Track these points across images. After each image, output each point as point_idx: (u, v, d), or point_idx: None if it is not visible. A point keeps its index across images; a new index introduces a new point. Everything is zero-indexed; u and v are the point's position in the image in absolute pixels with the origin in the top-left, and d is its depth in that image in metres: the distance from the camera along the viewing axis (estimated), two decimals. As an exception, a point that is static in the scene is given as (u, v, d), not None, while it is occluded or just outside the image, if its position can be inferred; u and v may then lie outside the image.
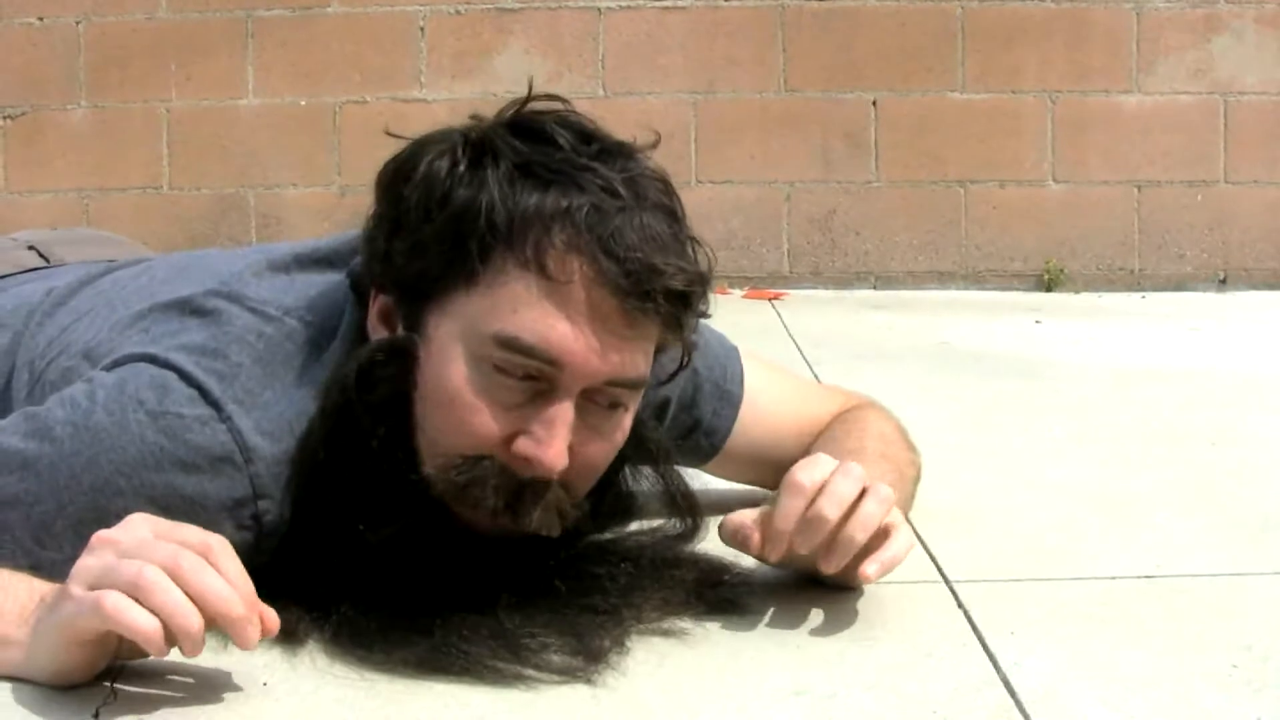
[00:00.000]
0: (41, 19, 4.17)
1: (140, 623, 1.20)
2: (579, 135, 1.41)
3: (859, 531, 1.42)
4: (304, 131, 4.20)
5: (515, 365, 1.35)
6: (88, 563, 1.24)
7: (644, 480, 1.53)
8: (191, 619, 1.21)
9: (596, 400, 1.39)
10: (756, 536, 1.45)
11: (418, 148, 1.42)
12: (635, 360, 1.39)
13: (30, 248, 2.08)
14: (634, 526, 1.54)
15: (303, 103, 4.20)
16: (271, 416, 1.41)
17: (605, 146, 1.41)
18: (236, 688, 1.31)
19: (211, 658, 1.36)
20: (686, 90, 4.19)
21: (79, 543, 1.29)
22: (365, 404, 1.38)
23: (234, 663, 1.36)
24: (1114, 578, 1.63)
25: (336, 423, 1.40)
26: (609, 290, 1.34)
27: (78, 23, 4.17)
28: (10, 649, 1.28)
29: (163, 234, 4.04)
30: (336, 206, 4.12)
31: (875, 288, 4.23)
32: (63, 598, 1.24)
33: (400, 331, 1.40)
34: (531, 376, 1.36)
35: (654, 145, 1.46)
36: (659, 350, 1.43)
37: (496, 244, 1.35)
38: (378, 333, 1.43)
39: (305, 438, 1.41)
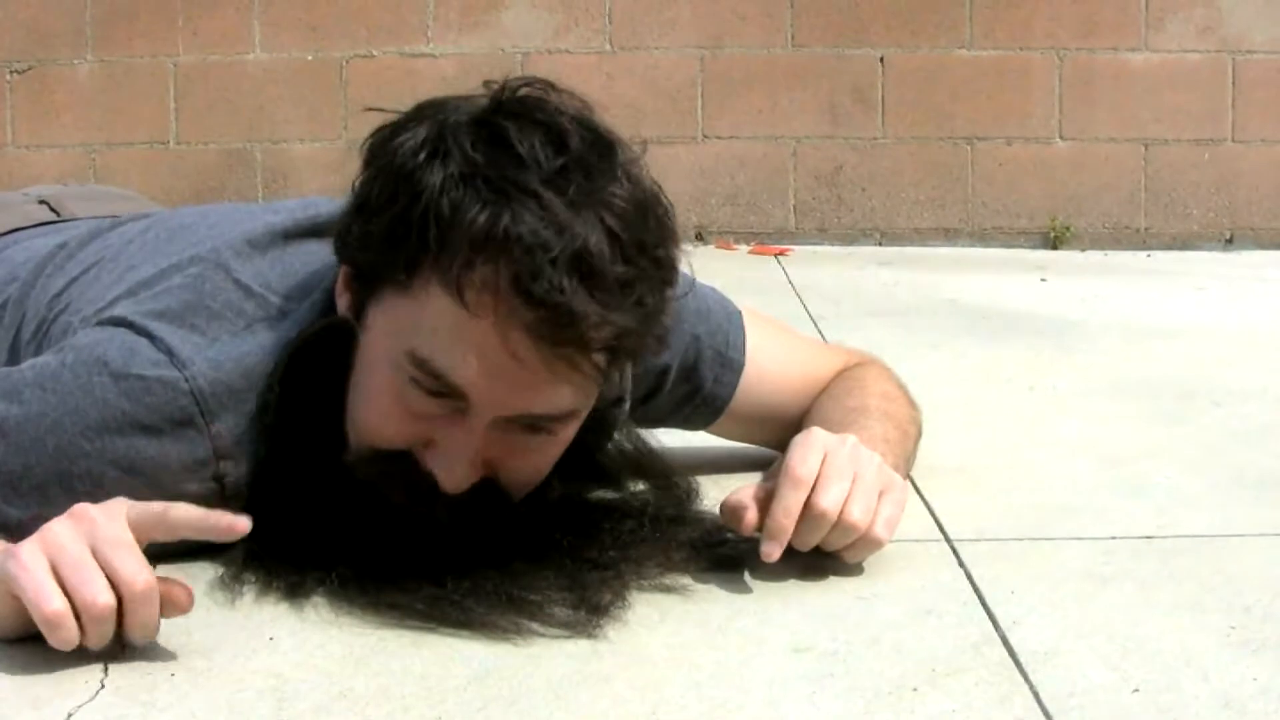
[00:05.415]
0: (48, -28, 4.16)
1: (32, 596, 1.21)
2: (549, 143, 1.31)
3: (861, 517, 1.46)
4: (311, 86, 4.19)
5: (427, 383, 1.33)
6: (52, 528, 1.25)
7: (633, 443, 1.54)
8: (98, 598, 1.22)
9: (515, 423, 1.36)
10: (751, 515, 1.46)
11: (404, 121, 1.37)
12: (552, 398, 1.35)
13: (41, 202, 2.09)
14: (637, 485, 1.54)
15: (309, 57, 4.19)
16: (235, 381, 1.42)
17: (572, 158, 1.31)
18: (243, 643, 1.32)
19: (220, 613, 1.39)
20: (694, 45, 4.18)
21: (44, 503, 1.31)
22: (303, 380, 1.40)
23: (241, 618, 1.37)
24: (1114, 538, 1.64)
25: (281, 395, 1.41)
26: (524, 333, 1.28)
27: (84, -24, 4.16)
28: None
29: (170, 188, 4.04)
30: (344, 161, 4.08)
31: (881, 244, 4.23)
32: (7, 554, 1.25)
33: (348, 311, 1.41)
34: (444, 394, 1.34)
35: (641, 153, 1.38)
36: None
37: (426, 257, 1.31)
38: (341, 298, 1.43)
39: (262, 407, 1.43)
